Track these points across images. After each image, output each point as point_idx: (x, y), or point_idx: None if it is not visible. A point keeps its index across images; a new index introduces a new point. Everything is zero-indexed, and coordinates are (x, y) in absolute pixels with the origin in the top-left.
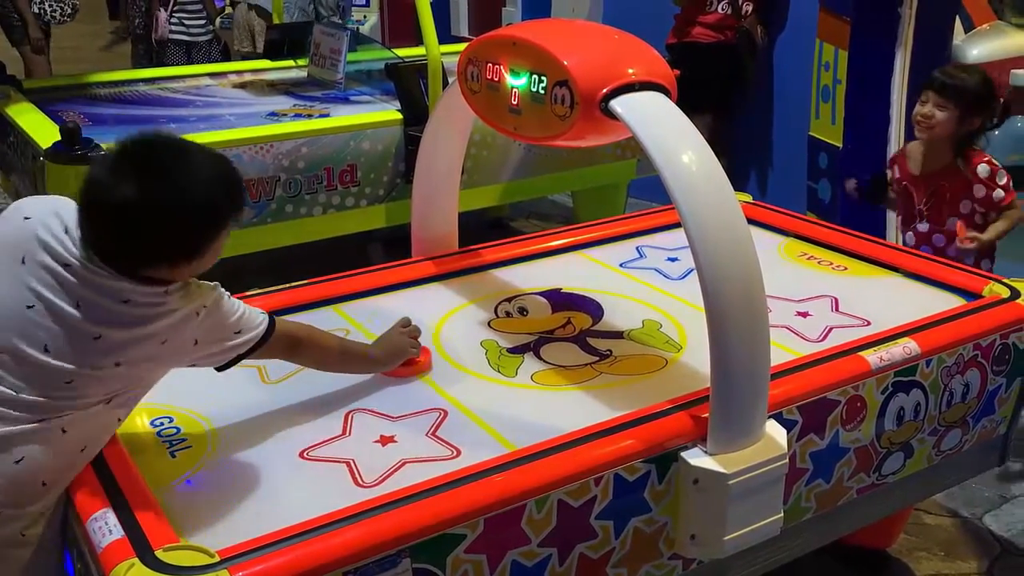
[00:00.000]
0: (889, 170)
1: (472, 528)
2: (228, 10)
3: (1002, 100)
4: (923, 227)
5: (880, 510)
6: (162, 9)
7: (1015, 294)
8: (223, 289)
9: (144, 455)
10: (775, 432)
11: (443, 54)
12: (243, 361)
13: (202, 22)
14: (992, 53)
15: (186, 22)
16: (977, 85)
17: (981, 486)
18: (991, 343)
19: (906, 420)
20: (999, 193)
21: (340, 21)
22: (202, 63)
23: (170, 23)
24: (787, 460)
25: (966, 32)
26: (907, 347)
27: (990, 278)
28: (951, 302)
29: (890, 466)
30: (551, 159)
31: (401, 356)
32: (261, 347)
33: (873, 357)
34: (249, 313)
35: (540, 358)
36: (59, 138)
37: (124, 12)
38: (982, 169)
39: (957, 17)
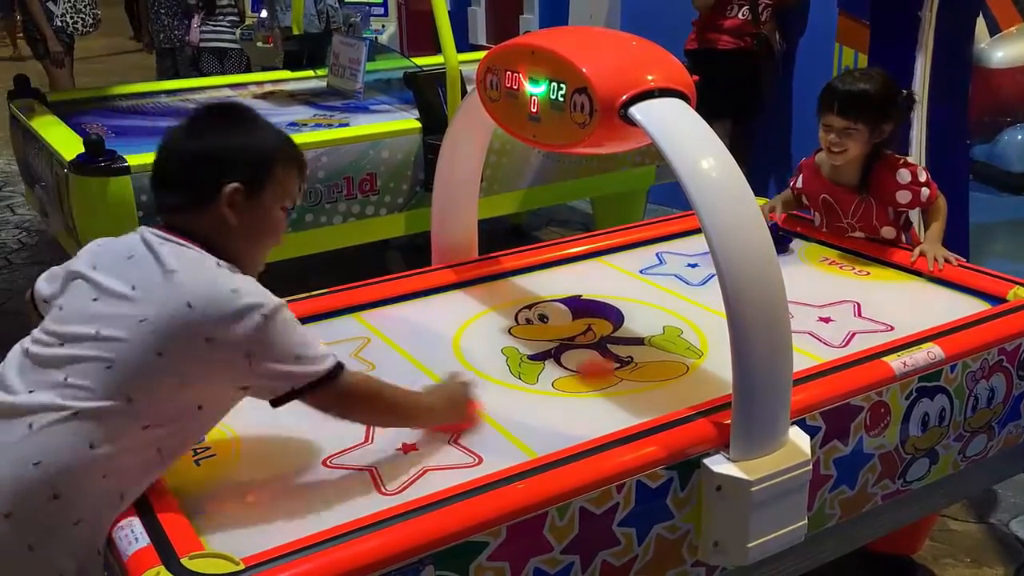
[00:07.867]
0: (792, 178)
1: (494, 536)
2: (250, 20)
3: (905, 92)
4: (859, 236)
5: (905, 517)
6: (195, 16)
7: None
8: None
9: None
10: (798, 438)
11: (461, 63)
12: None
13: (234, 29)
14: (1019, 57)
15: (219, 29)
16: (879, 90)
17: (1007, 492)
18: (1016, 347)
19: (931, 426)
20: (925, 192)
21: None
22: (233, 71)
23: (202, 31)
24: (810, 467)
25: (991, 35)
26: (931, 352)
27: (1015, 282)
28: (975, 306)
29: (915, 472)
30: (570, 166)
31: (460, 408)
32: (323, 387)
33: (897, 362)
34: (313, 342)
35: (561, 365)
36: (83, 150)
37: (147, 28)
38: (903, 175)
39: (982, 19)
